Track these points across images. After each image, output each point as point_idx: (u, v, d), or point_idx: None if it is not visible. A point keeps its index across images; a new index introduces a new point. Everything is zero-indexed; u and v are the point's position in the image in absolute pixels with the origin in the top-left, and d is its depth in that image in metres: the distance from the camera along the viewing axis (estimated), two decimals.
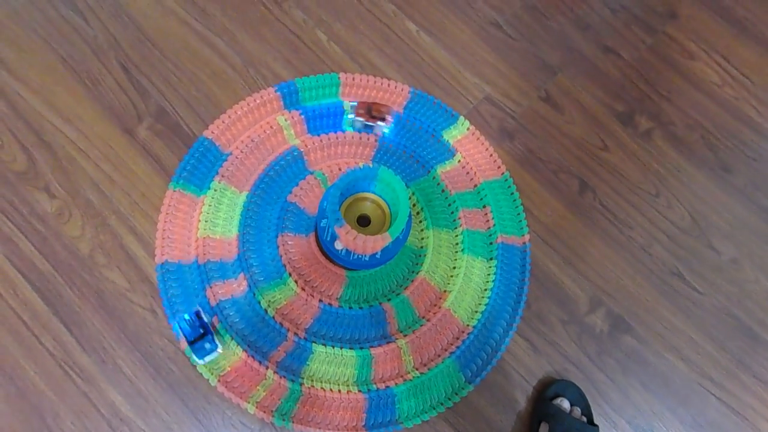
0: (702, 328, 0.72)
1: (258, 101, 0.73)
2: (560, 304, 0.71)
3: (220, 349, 0.59)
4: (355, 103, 0.70)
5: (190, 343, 0.58)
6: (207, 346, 0.58)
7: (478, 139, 0.77)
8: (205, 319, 0.60)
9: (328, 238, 0.60)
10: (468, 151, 0.77)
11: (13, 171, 0.66)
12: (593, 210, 0.77)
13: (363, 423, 0.62)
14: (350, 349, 0.65)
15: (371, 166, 0.58)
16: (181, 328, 0.59)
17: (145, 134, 0.70)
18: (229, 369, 0.62)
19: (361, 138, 0.74)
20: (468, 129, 0.78)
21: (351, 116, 0.69)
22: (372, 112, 0.69)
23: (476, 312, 0.68)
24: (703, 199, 0.79)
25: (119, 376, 0.60)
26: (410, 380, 0.64)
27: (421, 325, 0.67)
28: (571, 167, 0.79)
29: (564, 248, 0.74)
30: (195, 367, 0.61)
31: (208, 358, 0.59)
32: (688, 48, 0.88)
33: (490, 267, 0.71)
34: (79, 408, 0.58)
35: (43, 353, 0.59)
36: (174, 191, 0.68)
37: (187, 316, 0.59)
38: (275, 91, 0.74)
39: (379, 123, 0.70)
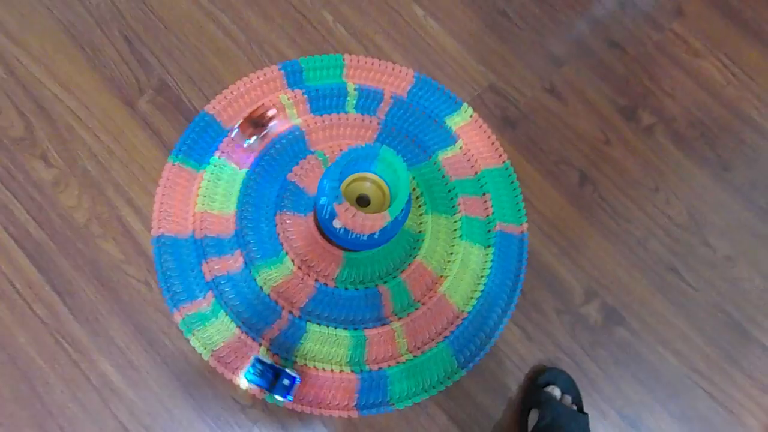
0: (694, 324, 0.73)
1: (261, 79, 0.73)
2: (555, 294, 0.72)
3: (299, 379, 0.59)
4: (237, 130, 0.67)
5: (270, 390, 0.57)
6: (286, 382, 0.58)
7: (480, 126, 0.78)
8: (267, 361, 0.59)
9: (327, 216, 0.60)
10: (470, 138, 0.77)
11: (11, 137, 0.66)
12: (592, 202, 0.78)
13: (354, 403, 0.63)
14: (344, 329, 0.65)
15: (373, 145, 0.58)
16: (252, 382, 0.57)
17: (146, 107, 0.69)
18: (222, 344, 0.62)
19: (363, 120, 0.74)
20: (471, 116, 0.78)
21: (247, 144, 0.67)
22: (257, 122, 0.66)
23: (472, 298, 0.69)
24: (701, 197, 0.80)
25: (111, 347, 0.60)
26: (403, 363, 0.65)
27: (416, 309, 0.67)
28: (573, 159, 0.80)
29: (562, 239, 0.75)
30: (188, 341, 0.61)
31: (293, 393, 0.58)
32: (694, 46, 0.89)
33: (487, 254, 0.71)
34: (69, 377, 0.58)
35: (35, 321, 0.59)
36: (173, 165, 0.68)
37: (251, 369, 0.57)
38: (279, 69, 0.74)
39: (270, 125, 0.68)
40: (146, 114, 0.69)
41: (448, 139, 0.76)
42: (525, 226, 0.74)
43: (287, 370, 0.58)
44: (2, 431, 0.55)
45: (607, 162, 0.81)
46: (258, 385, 0.57)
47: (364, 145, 0.58)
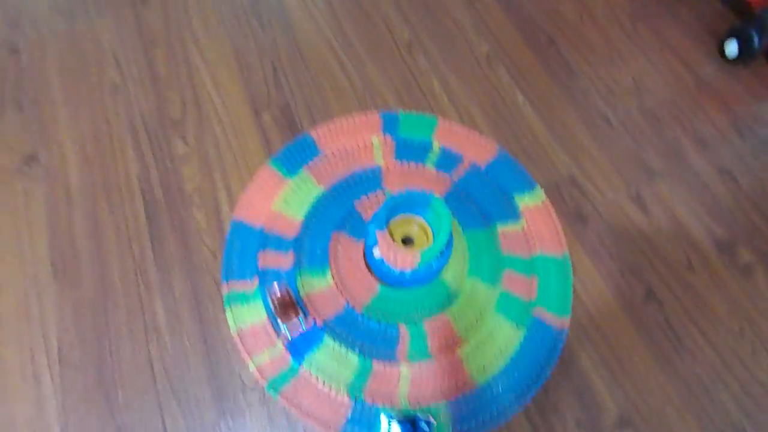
0: None
1: (362, 120, 0.91)
2: (582, 405, 0.71)
3: (434, 422, 0.67)
4: (284, 327, 0.72)
5: None
6: (425, 427, 0.65)
7: (549, 213, 0.83)
8: (392, 413, 0.66)
9: (371, 243, 0.71)
10: (535, 220, 0.83)
11: (170, 119, 0.91)
12: (654, 324, 0.76)
13: (340, 428, 0.68)
14: (356, 353, 0.72)
15: (428, 194, 0.68)
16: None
17: (267, 119, 0.91)
18: (249, 325, 0.74)
19: (438, 176, 0.86)
20: (542, 201, 0.84)
21: (303, 328, 0.73)
22: (287, 309, 0.69)
23: (488, 372, 0.72)
24: None
25: (169, 294, 0.76)
26: (398, 409, 0.69)
27: (429, 361, 0.72)
28: (643, 273, 0.80)
29: (607, 349, 0.74)
30: (225, 312, 0.74)
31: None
32: None
33: (517, 335, 0.74)
34: (131, 305, 0.75)
35: (128, 254, 0.79)
36: (269, 168, 0.86)
37: (391, 428, 0.63)
38: (379, 116, 0.91)
39: (295, 320, 0.71)
40: (265, 124, 0.90)
41: (513, 215, 0.83)
42: (567, 320, 0.75)
43: (419, 415, 0.65)
44: (71, 327, 0.73)
45: (685, 288, 0.79)
46: None
47: (421, 192, 0.69)
